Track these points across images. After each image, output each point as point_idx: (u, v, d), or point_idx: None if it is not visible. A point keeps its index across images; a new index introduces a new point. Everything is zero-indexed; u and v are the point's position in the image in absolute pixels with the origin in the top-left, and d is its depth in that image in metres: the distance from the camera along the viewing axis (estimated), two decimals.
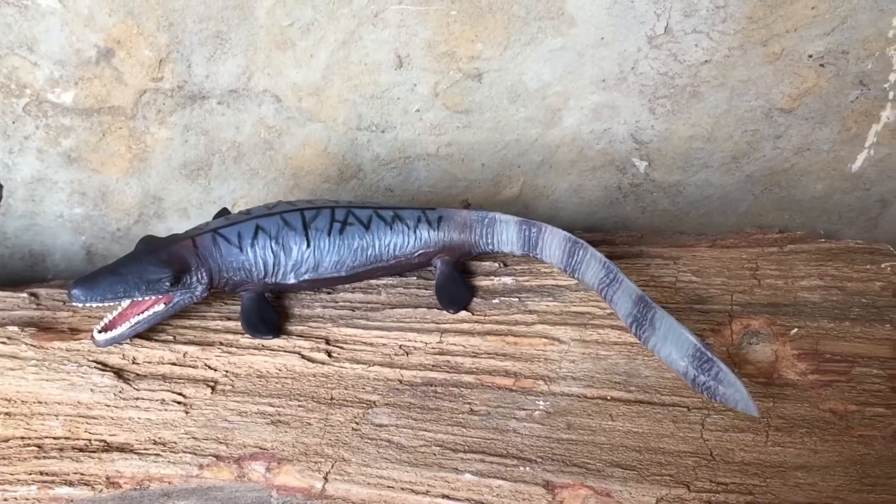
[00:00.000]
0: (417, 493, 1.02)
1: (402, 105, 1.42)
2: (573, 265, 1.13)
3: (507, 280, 1.27)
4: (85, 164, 1.46)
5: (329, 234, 1.21)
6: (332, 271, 1.23)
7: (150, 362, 1.18)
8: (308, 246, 1.20)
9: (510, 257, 1.32)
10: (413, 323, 1.21)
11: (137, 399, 1.13)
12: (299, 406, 1.12)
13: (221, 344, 1.20)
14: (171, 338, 1.21)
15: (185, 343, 1.20)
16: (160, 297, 1.15)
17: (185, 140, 1.45)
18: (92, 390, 1.13)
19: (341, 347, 1.19)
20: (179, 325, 1.23)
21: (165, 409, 1.12)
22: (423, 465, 1.03)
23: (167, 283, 1.14)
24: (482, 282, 1.28)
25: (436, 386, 1.13)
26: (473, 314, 1.21)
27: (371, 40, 1.33)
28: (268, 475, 1.06)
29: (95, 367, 1.16)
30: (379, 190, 1.54)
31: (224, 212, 1.38)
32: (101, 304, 1.11)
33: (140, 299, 1.14)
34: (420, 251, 1.24)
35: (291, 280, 1.22)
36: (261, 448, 1.08)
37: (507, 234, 1.21)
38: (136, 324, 1.16)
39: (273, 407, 1.12)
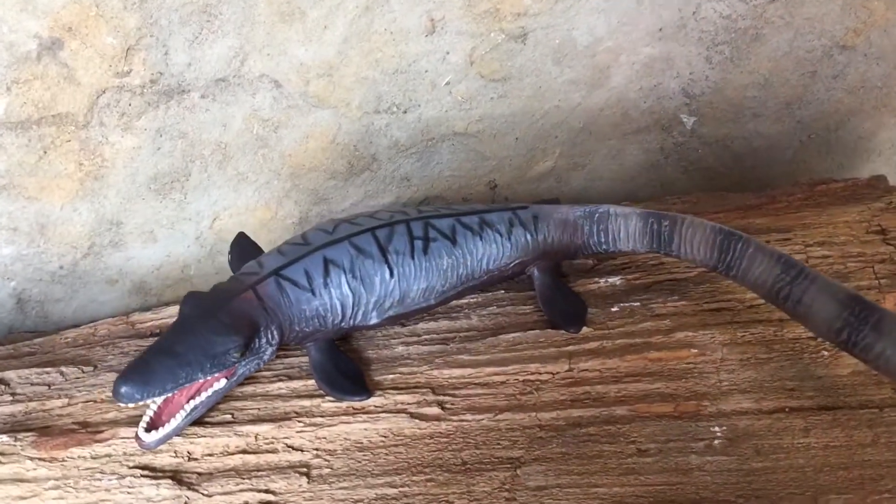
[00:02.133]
0: None
1: (429, 78, 1.20)
2: (728, 263, 0.98)
3: (615, 280, 1.11)
4: (17, 191, 1.14)
5: (413, 257, 1.00)
6: (421, 301, 1.02)
7: (212, 455, 0.93)
8: (391, 275, 0.99)
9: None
10: (528, 350, 1.03)
11: None
12: (428, 481, 0.92)
13: (299, 415, 0.97)
14: (228, 417, 0.96)
15: (250, 422, 0.96)
16: (223, 372, 0.90)
17: (156, 147, 1.16)
18: None
19: (453, 395, 0.99)
20: (230, 397, 0.98)
21: None
22: None
23: (236, 354, 0.89)
24: (585, 286, 1.11)
25: (585, 427, 0.96)
26: (595, 328, 1.05)
27: (399, 2, 1.10)
28: None
29: (144, 476, 0.90)
30: (394, 181, 1.32)
31: (242, 239, 1.11)
32: (159, 399, 0.85)
33: (202, 381, 0.88)
34: (517, 261, 1.05)
35: (373, 320, 1.00)
36: None
37: (627, 230, 1.05)
38: (192, 411, 0.91)
39: (395, 487, 0.92)
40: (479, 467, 0.94)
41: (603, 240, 1.06)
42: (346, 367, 0.99)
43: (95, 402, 1.00)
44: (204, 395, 0.91)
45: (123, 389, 0.83)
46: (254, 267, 0.97)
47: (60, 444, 0.92)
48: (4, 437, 0.93)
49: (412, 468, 0.94)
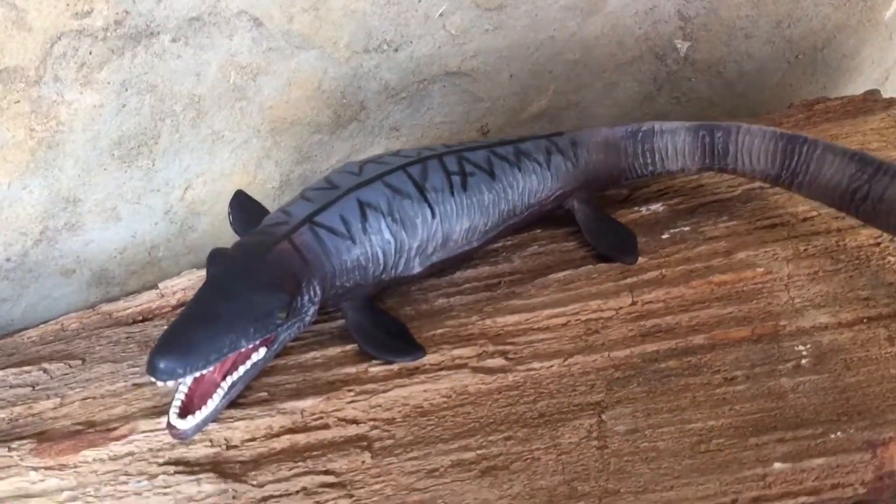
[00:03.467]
0: None
1: (423, 9, 1.09)
2: (793, 169, 0.91)
3: (656, 207, 1.04)
4: None
5: (452, 194, 0.89)
6: (464, 243, 0.92)
7: (253, 439, 0.80)
8: (433, 216, 0.88)
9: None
10: (583, 287, 0.94)
11: (268, 500, 0.76)
12: (506, 439, 0.82)
13: (345, 383, 0.85)
14: (264, 395, 0.83)
15: (291, 397, 0.83)
16: (263, 338, 0.77)
17: (121, 105, 1.00)
18: None
19: (514, 344, 0.89)
20: (260, 373, 0.85)
21: (313, 502, 0.76)
22: (715, 469, 0.80)
23: (281, 315, 0.76)
24: (625, 217, 1.03)
25: (664, 361, 0.88)
26: (649, 258, 0.97)
27: None
28: None
29: (179, 472, 0.76)
30: (383, 131, 1.20)
31: (241, 196, 0.98)
32: (202, 373, 0.72)
33: (243, 349, 0.75)
34: (558, 192, 0.96)
35: (416, 268, 0.89)
36: None
37: (675, 147, 0.97)
38: (230, 388, 0.78)
39: (471, 451, 0.81)
40: (559, 418, 0.84)
41: (649, 160, 0.98)
42: (389, 326, 0.88)
43: (95, 398, 0.85)
44: (242, 370, 0.78)
45: (162, 364, 0.69)
46: (280, 217, 0.85)
47: (68, 447, 0.77)
48: None
49: (485, 427, 0.83)
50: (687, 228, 1.00)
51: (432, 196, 0.88)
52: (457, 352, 0.88)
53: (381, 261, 0.86)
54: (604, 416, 0.84)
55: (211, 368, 0.73)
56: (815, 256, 0.97)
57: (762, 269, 0.95)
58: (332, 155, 1.20)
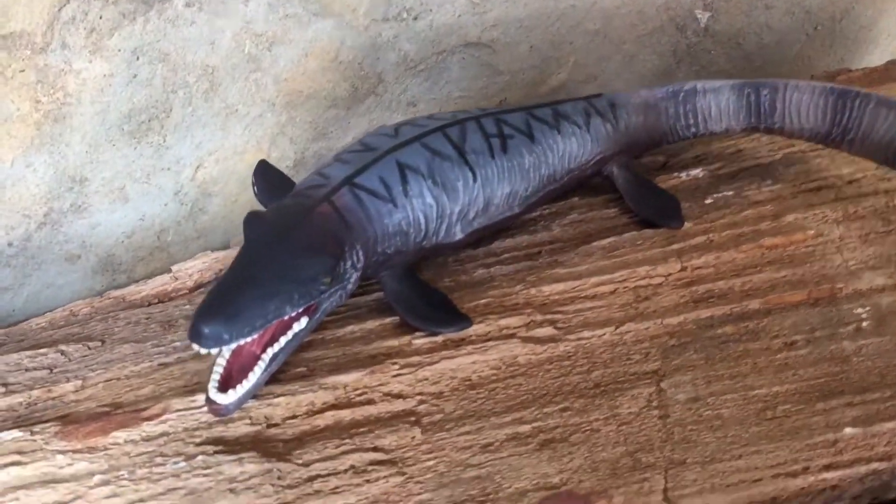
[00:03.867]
0: (794, 474, 0.74)
1: None
2: (844, 126, 0.88)
3: (696, 172, 1.00)
4: None
5: (493, 156, 0.85)
6: (505, 209, 0.87)
7: (295, 417, 0.75)
8: (475, 179, 0.83)
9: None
10: (629, 254, 0.90)
11: (315, 479, 0.71)
12: (563, 410, 0.78)
13: (389, 356, 0.80)
14: (303, 370, 0.78)
15: (332, 372, 0.78)
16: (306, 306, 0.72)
17: (132, 75, 0.95)
18: (233, 492, 0.69)
19: (562, 313, 0.85)
20: (297, 348, 0.80)
21: (370, 482, 0.71)
22: (784, 436, 0.76)
23: (326, 280, 0.71)
24: (664, 182, 0.99)
25: (719, 327, 0.84)
26: (694, 223, 0.93)
27: None
28: None
29: (218, 452, 0.71)
30: (401, 106, 1.16)
31: (264, 166, 0.93)
32: (247, 341, 0.67)
33: (286, 318, 0.70)
34: (597, 156, 0.92)
35: (458, 235, 0.85)
36: (549, 489, 0.73)
37: (719, 106, 0.93)
38: (271, 361, 0.73)
39: (526, 423, 0.77)
40: (616, 387, 0.80)
41: (691, 122, 0.95)
42: (431, 295, 0.83)
43: (119, 379, 0.79)
44: (283, 340, 0.73)
45: (207, 330, 0.64)
46: (316, 180, 0.80)
47: (96, 429, 0.71)
48: (16, 433, 0.71)
49: (539, 399, 0.79)
50: (730, 193, 0.97)
51: (473, 159, 0.83)
52: (504, 322, 0.83)
53: (423, 226, 0.82)
54: (662, 385, 0.80)
55: (255, 336, 0.68)
56: (866, 218, 0.94)
57: (812, 232, 0.92)
58: (349, 131, 1.15)
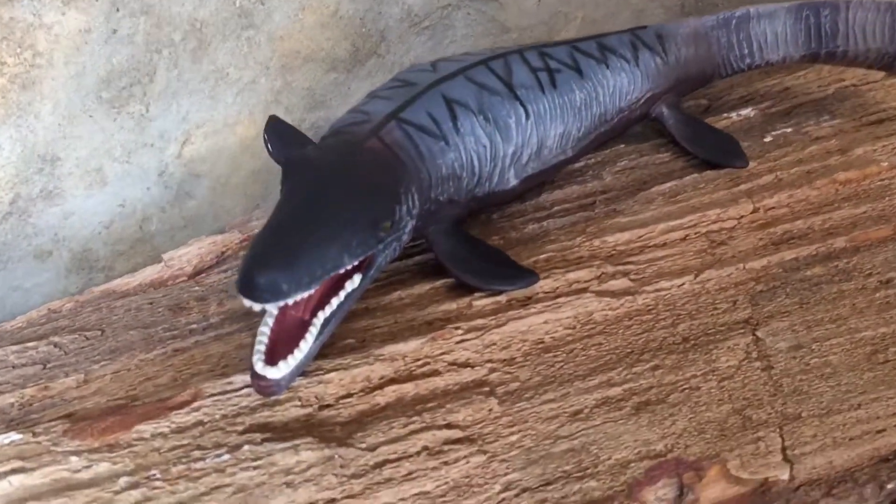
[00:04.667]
0: None
1: None
2: None
3: (747, 112, 0.92)
4: None
5: (543, 91, 0.76)
6: (558, 152, 0.78)
7: (350, 395, 0.64)
8: (527, 116, 0.74)
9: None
10: (694, 198, 0.81)
11: (384, 465, 0.60)
12: (654, 368, 0.68)
13: (448, 321, 0.69)
14: (351, 342, 0.67)
15: (386, 341, 0.67)
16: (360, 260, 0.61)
17: (111, 30, 0.83)
18: (291, 485, 0.57)
19: (633, 263, 0.75)
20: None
21: (448, 464, 0.60)
22: None
23: (387, 225, 0.61)
24: (717, 124, 0.91)
25: (807, 269, 0.76)
26: (757, 162, 0.85)
27: None
28: (688, 497, 0.62)
29: (267, 440, 0.59)
30: (403, 68, 1.05)
31: (276, 122, 0.82)
32: (304, 296, 0.56)
33: (343, 270, 0.59)
34: (647, 94, 0.83)
35: (512, 181, 0.75)
36: (653, 457, 0.63)
37: (775, 32, 0.85)
38: (323, 326, 0.61)
39: (616, 385, 0.67)
40: (708, 340, 0.70)
41: (746, 51, 0.86)
42: (487, 251, 0.72)
43: (129, 370, 0.67)
44: (335, 302, 0.61)
45: (263, 280, 0.52)
46: (356, 117, 0.69)
47: (114, 424, 0.59)
48: (14, 436, 0.58)
49: (625, 359, 0.69)
50: (789, 130, 0.89)
51: (523, 94, 0.74)
52: (572, 275, 0.73)
53: (476, 169, 0.71)
54: (758, 334, 0.71)
55: (313, 290, 0.57)
56: None
57: (886, 165, 0.84)
58: (349, 99, 1.04)
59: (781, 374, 0.69)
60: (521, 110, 0.73)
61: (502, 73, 0.74)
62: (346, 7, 0.97)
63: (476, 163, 0.71)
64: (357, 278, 0.62)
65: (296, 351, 0.58)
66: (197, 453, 0.58)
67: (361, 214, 0.59)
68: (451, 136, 0.69)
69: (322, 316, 0.60)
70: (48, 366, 0.68)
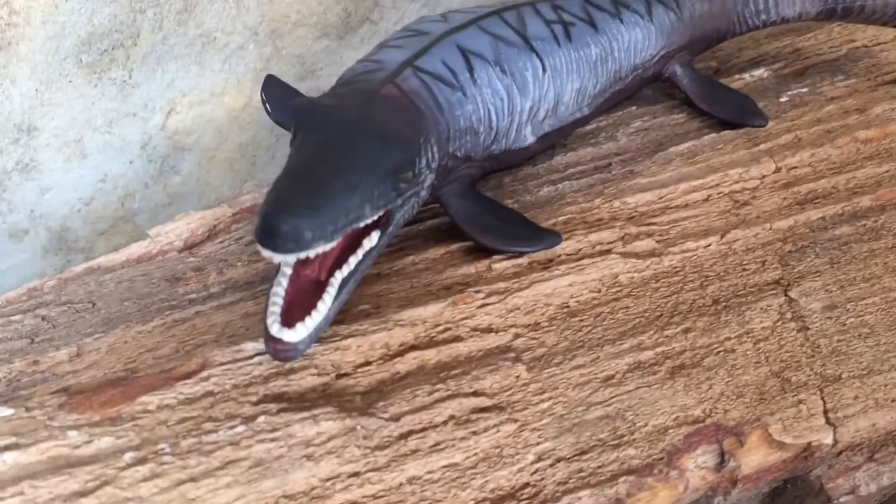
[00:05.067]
0: None
1: None
2: None
3: (760, 73, 0.89)
4: None
5: (558, 44, 0.72)
6: (574, 109, 0.74)
7: (369, 363, 0.59)
8: (544, 69, 0.70)
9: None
10: (714, 158, 0.78)
11: (409, 436, 0.56)
12: (685, 332, 0.65)
13: (467, 285, 0.65)
14: (367, 307, 0.62)
15: (403, 306, 0.63)
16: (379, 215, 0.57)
17: None
18: (311, 458, 0.53)
19: (656, 224, 0.71)
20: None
21: (477, 434, 0.57)
22: None
23: (409, 174, 0.57)
24: (730, 85, 0.87)
25: (835, 228, 0.73)
26: (776, 122, 0.82)
27: None
28: (730, 464, 0.59)
29: (284, 410, 0.55)
30: None
31: (275, 83, 0.77)
32: (326, 248, 0.52)
33: (363, 224, 0.55)
34: (661, 51, 0.80)
35: (529, 139, 0.71)
36: (692, 423, 0.59)
37: None
38: (342, 287, 0.56)
39: (648, 349, 0.63)
40: (739, 302, 0.67)
41: (761, 6, 0.83)
42: (505, 212, 0.68)
43: (126, 342, 0.62)
44: (353, 261, 0.57)
45: (286, 227, 0.48)
46: (368, 66, 0.64)
47: (116, 395, 0.54)
48: (5, 411, 0.53)
49: (655, 322, 0.65)
50: (804, 90, 0.86)
51: (539, 46, 0.70)
52: (594, 236, 0.69)
53: (494, 124, 0.67)
54: (791, 294, 0.68)
55: (335, 242, 0.52)
56: None
57: None
58: (340, 67, 0.99)
59: (818, 335, 0.66)
60: (538, 63, 0.69)
61: (516, 24, 0.70)
62: None
63: (494, 116, 0.67)
64: (375, 236, 0.58)
65: (314, 313, 0.54)
66: (208, 425, 0.53)
67: (383, 162, 0.55)
68: (469, 87, 0.65)
69: (340, 276, 0.56)
70: (36, 340, 0.63)
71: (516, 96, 0.68)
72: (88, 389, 0.55)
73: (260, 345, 0.58)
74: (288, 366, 0.57)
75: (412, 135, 0.58)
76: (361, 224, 0.55)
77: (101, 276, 0.74)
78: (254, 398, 0.55)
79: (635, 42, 0.78)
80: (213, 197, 1.01)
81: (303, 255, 0.50)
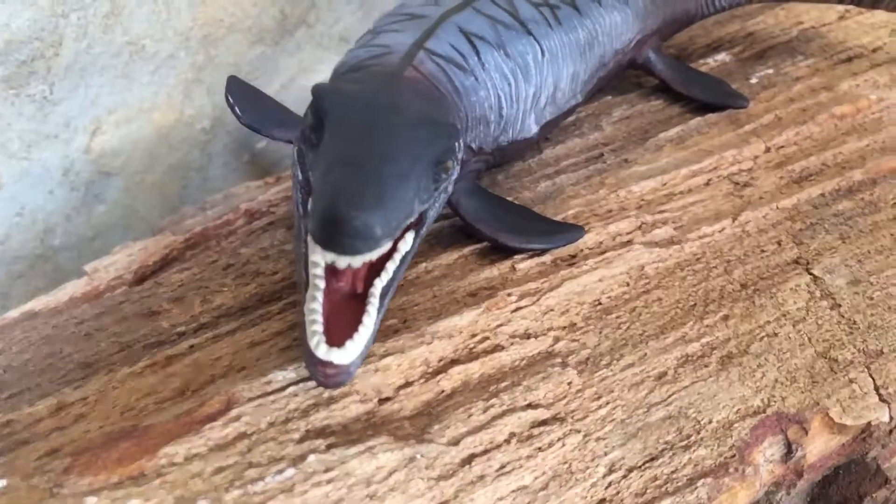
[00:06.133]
0: None
1: None
2: None
3: (723, 57, 0.88)
4: None
5: (551, 27, 0.67)
6: (569, 95, 0.70)
7: (410, 383, 0.53)
8: (542, 53, 0.65)
9: None
10: (704, 142, 0.75)
11: (472, 460, 0.49)
12: (724, 319, 0.61)
13: (494, 289, 0.59)
14: (394, 321, 0.56)
15: (433, 318, 0.56)
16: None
17: None
18: (374, 497, 0.46)
19: (668, 211, 0.68)
20: None
21: (542, 450, 0.51)
22: None
23: (450, 164, 0.50)
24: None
25: (837, 203, 0.72)
26: (754, 104, 0.80)
27: None
28: (796, 454, 0.56)
29: (333, 446, 0.47)
30: (332, 43, 0.94)
31: (239, 84, 0.69)
32: (386, 248, 0.45)
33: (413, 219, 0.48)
34: (638, 36, 0.77)
35: (532, 129, 0.66)
36: (754, 414, 0.56)
37: None
38: (382, 297, 0.49)
39: (692, 342, 0.60)
40: (768, 284, 0.64)
41: None
42: (518, 209, 0.63)
43: (115, 387, 0.51)
44: (391, 268, 0.49)
45: (358, 223, 0.40)
46: (374, 50, 0.57)
47: (131, 449, 0.44)
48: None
49: (691, 312, 0.61)
50: (770, 72, 0.85)
51: (535, 28, 0.65)
52: (613, 227, 0.65)
53: (504, 111, 0.62)
54: (814, 272, 0.66)
55: (397, 235, 0.45)
56: None
57: (874, 97, 0.82)
58: (276, 76, 0.92)
59: (851, 311, 0.64)
60: (538, 47, 0.65)
61: (506, 6, 0.66)
62: None
63: (504, 103, 0.62)
64: (410, 238, 0.51)
65: (360, 328, 0.47)
66: (252, 473, 0.45)
67: (428, 151, 0.48)
68: (479, 72, 0.60)
69: (380, 285, 0.49)
70: (0, 397, 0.52)
71: (521, 81, 0.63)
72: (95, 446, 0.45)
73: (290, 373, 0.50)
74: (327, 394, 0.49)
75: (448, 120, 0.51)
76: (415, 215, 0.48)
77: (49, 319, 0.64)
78: (296, 435, 0.47)
79: (615, 25, 0.74)
80: (142, 226, 0.90)
81: (370, 256, 0.43)
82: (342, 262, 0.43)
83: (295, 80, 0.94)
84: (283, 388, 0.49)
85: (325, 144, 0.48)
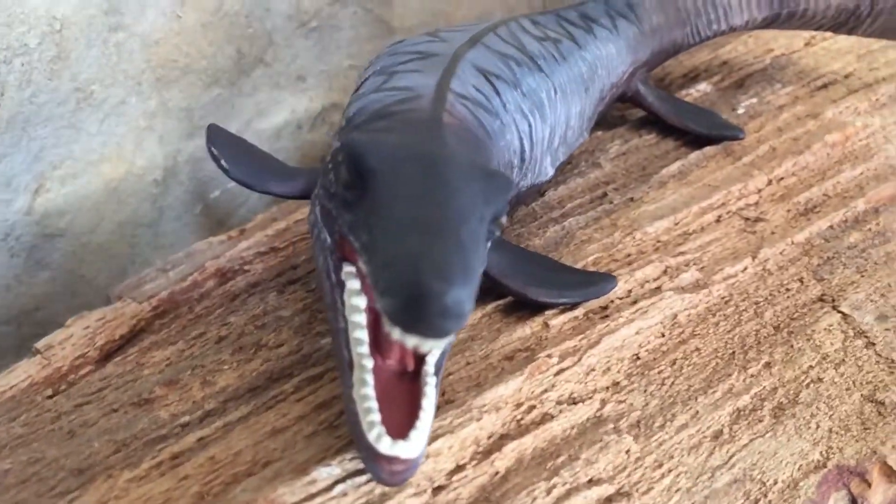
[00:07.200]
0: None
1: None
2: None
3: (703, 87, 0.86)
4: None
5: (557, 62, 0.63)
6: (577, 134, 0.67)
7: (463, 466, 0.47)
8: (555, 91, 0.61)
9: None
10: (706, 176, 0.73)
11: None
12: (765, 367, 0.58)
13: (531, 350, 0.54)
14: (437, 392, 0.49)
15: (475, 388, 0.51)
16: None
17: None
18: None
19: (688, 253, 0.64)
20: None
21: None
22: None
23: (502, 221, 0.45)
24: None
25: (847, 235, 0.70)
26: (747, 135, 0.78)
27: None
28: None
29: None
30: (290, 82, 0.88)
31: (220, 132, 0.62)
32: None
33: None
34: (630, 66, 0.74)
35: (549, 171, 0.63)
36: (814, 469, 0.53)
37: None
38: (437, 371, 0.43)
39: (740, 395, 0.56)
40: (799, 325, 0.61)
41: (713, 17, 0.79)
42: (541, 260, 0.58)
43: (119, 496, 0.44)
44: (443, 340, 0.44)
45: (449, 300, 0.34)
46: (397, 95, 0.51)
47: None
48: None
49: (732, 361, 0.58)
50: (754, 101, 0.83)
51: (545, 65, 0.61)
52: (639, 274, 0.61)
53: (524, 154, 0.57)
54: (843, 310, 0.63)
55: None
56: (888, 105, 0.85)
57: (860, 124, 0.81)
58: (232, 120, 0.85)
59: (886, 349, 0.61)
60: (549, 84, 0.61)
61: (513, 41, 0.61)
62: (232, 3, 0.79)
63: (525, 146, 0.57)
64: None
65: (421, 413, 0.41)
66: None
67: (488, 206, 0.43)
68: (503, 114, 0.55)
69: (432, 360, 0.43)
70: None
71: (538, 121, 0.59)
72: None
73: (335, 468, 0.43)
74: (379, 490, 0.43)
75: (500, 172, 0.46)
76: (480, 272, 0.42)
77: (12, 412, 0.55)
78: None
79: (611, 58, 0.71)
80: (89, 292, 0.81)
81: (451, 338, 0.37)
82: (427, 346, 0.38)
83: (251, 124, 0.88)
84: (329, 488, 0.42)
85: (372, 204, 0.42)
